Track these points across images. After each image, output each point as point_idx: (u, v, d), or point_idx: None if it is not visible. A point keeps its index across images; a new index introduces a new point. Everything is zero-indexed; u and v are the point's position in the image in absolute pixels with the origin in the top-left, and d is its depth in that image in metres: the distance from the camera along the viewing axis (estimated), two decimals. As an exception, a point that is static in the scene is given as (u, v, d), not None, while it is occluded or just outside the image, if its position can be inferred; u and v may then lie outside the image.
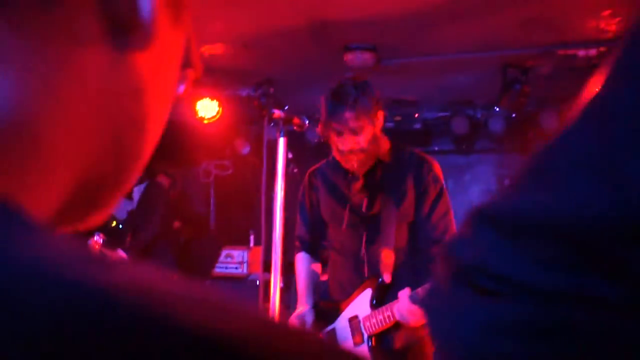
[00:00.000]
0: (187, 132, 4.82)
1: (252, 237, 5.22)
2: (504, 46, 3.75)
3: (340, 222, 1.96)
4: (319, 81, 4.59)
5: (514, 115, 4.57)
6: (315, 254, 2.14)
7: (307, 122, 1.98)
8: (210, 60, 3.96)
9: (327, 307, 2.00)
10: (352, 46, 3.72)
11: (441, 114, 5.04)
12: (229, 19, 3.34)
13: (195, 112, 4.57)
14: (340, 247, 1.96)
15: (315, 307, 2.03)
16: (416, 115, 5.10)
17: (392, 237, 1.89)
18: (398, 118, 5.15)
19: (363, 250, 1.92)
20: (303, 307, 2.02)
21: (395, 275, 1.88)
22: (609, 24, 3.36)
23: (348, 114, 1.78)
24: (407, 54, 3.91)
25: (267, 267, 1.87)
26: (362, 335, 1.87)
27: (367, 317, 1.86)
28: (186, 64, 0.40)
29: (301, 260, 2.12)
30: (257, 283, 4.64)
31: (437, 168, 2.04)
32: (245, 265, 4.79)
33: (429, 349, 1.84)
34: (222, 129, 4.93)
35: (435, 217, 1.91)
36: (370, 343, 1.85)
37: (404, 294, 1.73)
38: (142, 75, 0.32)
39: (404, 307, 1.71)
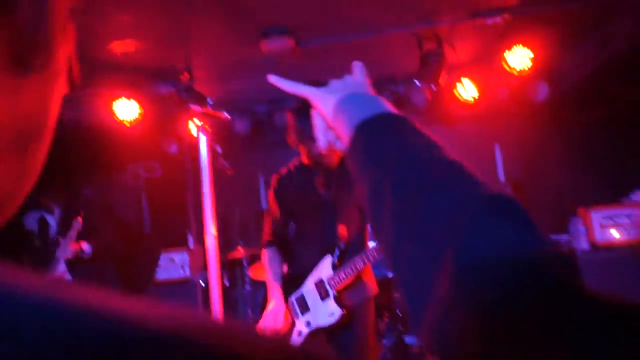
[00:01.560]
0: (106, 136, 4.59)
1: (190, 238, 5.09)
2: (418, 20, 3.83)
3: (309, 212, 2.43)
4: (240, 70, 4.52)
5: (433, 87, 4.70)
6: (279, 248, 2.53)
7: (227, 115, 1.95)
8: (123, 58, 3.78)
9: (294, 278, 2.41)
10: (269, 31, 3.67)
11: (366, 92, 5.09)
12: (136, 11, 3.18)
13: (113, 114, 4.35)
14: (305, 231, 2.44)
15: (282, 278, 2.45)
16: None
17: (345, 217, 2.37)
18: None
19: (324, 230, 2.38)
20: (274, 302, 2.36)
21: (348, 243, 2.35)
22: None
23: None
24: (325, 35, 3.91)
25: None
26: (328, 292, 2.30)
27: (331, 277, 2.30)
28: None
29: (267, 255, 2.51)
30: (202, 284, 4.54)
31: None
32: (187, 267, 4.67)
33: (370, 308, 2.39)
34: (144, 129, 4.74)
35: None
36: (335, 297, 2.28)
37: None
38: (44, 93, 0.35)
39: None
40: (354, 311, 2.31)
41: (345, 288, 2.30)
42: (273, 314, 2.31)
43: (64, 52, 0.38)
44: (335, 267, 2.31)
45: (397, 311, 4.05)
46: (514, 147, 5.67)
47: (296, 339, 2.32)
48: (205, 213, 1.73)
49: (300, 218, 2.49)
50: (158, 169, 5.45)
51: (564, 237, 4.37)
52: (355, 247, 2.39)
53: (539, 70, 4.46)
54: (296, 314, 2.37)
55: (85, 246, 3.52)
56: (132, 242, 5.10)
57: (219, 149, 5.56)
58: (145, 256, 4.91)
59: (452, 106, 5.37)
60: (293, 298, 2.40)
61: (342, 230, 2.36)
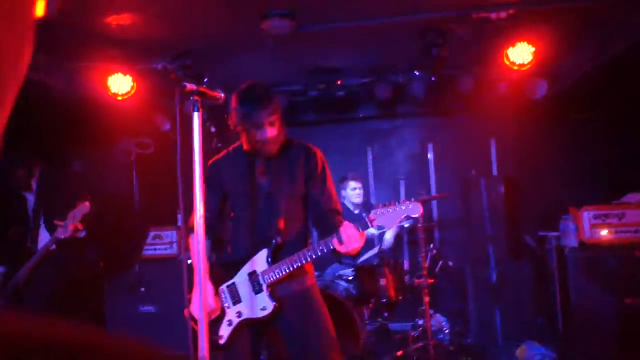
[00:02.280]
0: (100, 109, 4.53)
1: (179, 216, 5.06)
2: (421, 10, 3.78)
3: (244, 199, 2.37)
4: (239, 51, 4.46)
5: (433, 78, 4.66)
6: (210, 232, 2.48)
7: (222, 94, 1.90)
8: (119, 32, 3.70)
9: (226, 266, 2.38)
10: (269, 13, 3.61)
11: (364, 79, 5.05)
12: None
13: (107, 89, 4.28)
14: (242, 218, 2.37)
15: (214, 265, 2.44)
16: (339, 82, 5.08)
17: (284, 208, 2.36)
18: (322, 86, 5.11)
19: (261, 220, 2.34)
20: (205, 287, 2.26)
21: (285, 237, 2.33)
22: (518, -14, 3.47)
23: (267, 110, 2.22)
24: (327, 20, 3.85)
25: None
26: (261, 285, 2.29)
27: (265, 271, 2.28)
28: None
29: (192, 240, 2.42)
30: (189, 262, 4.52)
31: (321, 155, 2.49)
32: (175, 245, 4.66)
33: (316, 293, 2.37)
34: (139, 105, 4.67)
35: (326, 192, 2.42)
36: (268, 291, 2.27)
37: (347, 224, 2.17)
38: None
39: (348, 230, 2.13)
40: (290, 302, 2.28)
41: (280, 281, 2.27)
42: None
43: None
44: (269, 262, 2.28)
45: (382, 298, 4.07)
46: (509, 142, 5.67)
47: (226, 329, 2.29)
48: (195, 192, 1.71)
49: (236, 204, 2.43)
50: (151, 146, 5.39)
51: (553, 234, 4.39)
52: (294, 242, 2.34)
53: (539, 67, 4.43)
54: (227, 303, 2.33)
55: (82, 229, 3.53)
56: (120, 218, 5.07)
57: (212, 129, 5.52)
58: (133, 232, 4.89)
59: (450, 98, 5.35)
60: (224, 286, 2.36)
61: (280, 223, 2.32)
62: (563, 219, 4.20)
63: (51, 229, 3.62)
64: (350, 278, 4.18)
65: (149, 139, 5.37)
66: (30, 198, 3.77)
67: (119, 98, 4.31)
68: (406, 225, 4.52)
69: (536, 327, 4.67)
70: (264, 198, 2.35)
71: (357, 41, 4.32)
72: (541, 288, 4.68)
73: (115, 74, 4.26)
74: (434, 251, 4.67)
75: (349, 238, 2.11)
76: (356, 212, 4.62)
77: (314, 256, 2.21)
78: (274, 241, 2.30)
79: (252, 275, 2.31)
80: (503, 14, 3.82)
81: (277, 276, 2.25)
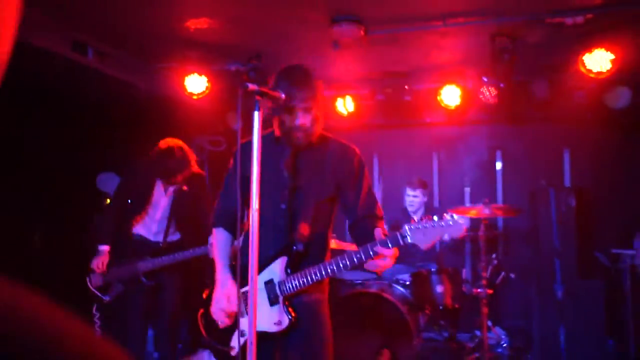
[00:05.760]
0: (176, 108, 4.82)
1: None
2: (492, 15, 3.71)
3: (267, 193, 2.05)
4: (307, 55, 4.59)
5: (502, 85, 4.55)
6: (233, 224, 2.27)
7: (283, 95, 1.99)
8: (197, 35, 3.94)
9: (244, 271, 2.10)
10: (338, 18, 3.70)
11: (431, 85, 5.01)
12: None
13: (184, 88, 4.56)
14: (262, 216, 1.91)
15: (232, 268, 2.26)
16: (406, 87, 5.07)
17: (309, 211, 2.14)
18: (388, 90, 5.13)
19: (283, 221, 2.13)
20: (226, 284, 2.19)
21: (308, 245, 2.13)
22: (596, -9, 3.32)
23: (302, 94, 2.02)
24: (394, 26, 3.88)
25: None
26: (277, 297, 2.10)
27: (283, 282, 2.10)
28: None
29: (219, 236, 2.33)
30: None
31: (359, 155, 2.26)
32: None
33: (324, 308, 2.18)
34: (212, 104, 4.93)
35: (362, 195, 2.20)
36: (284, 304, 2.09)
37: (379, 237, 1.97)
38: None
39: (378, 262, 1.97)
40: (305, 314, 2.11)
41: (297, 293, 2.10)
42: (226, 297, 2.17)
43: None
44: (288, 272, 2.09)
45: (439, 306, 4.02)
46: (585, 152, 5.40)
47: (238, 340, 2.11)
48: (251, 189, 1.82)
49: (261, 198, 1.98)
50: (223, 143, 5.67)
51: (628, 252, 4.15)
52: (316, 251, 2.15)
53: (621, 75, 4.20)
54: (242, 311, 2.16)
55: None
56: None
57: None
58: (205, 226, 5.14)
59: (522, 105, 5.18)
60: (241, 293, 2.15)
61: (303, 229, 2.11)
62: (638, 236, 3.96)
63: (183, 230, 3.81)
64: (407, 283, 4.17)
65: (221, 137, 5.65)
66: (165, 199, 3.80)
67: (194, 97, 4.57)
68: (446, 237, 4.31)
69: (605, 350, 4.42)
70: (287, 196, 2.14)
71: (425, 46, 4.31)
72: (612, 309, 4.43)
73: (192, 75, 4.53)
74: (496, 262, 4.55)
75: (378, 267, 1.98)
76: (415, 217, 4.61)
77: (335, 270, 2.03)
78: (295, 248, 2.10)
79: (269, 284, 2.12)
80: (580, 19, 3.67)
81: (295, 288, 2.08)
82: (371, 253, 1.97)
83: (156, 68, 4.65)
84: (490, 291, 4.17)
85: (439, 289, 4.00)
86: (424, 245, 1.92)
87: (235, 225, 2.24)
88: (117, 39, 4.06)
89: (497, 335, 4.57)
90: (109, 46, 4.15)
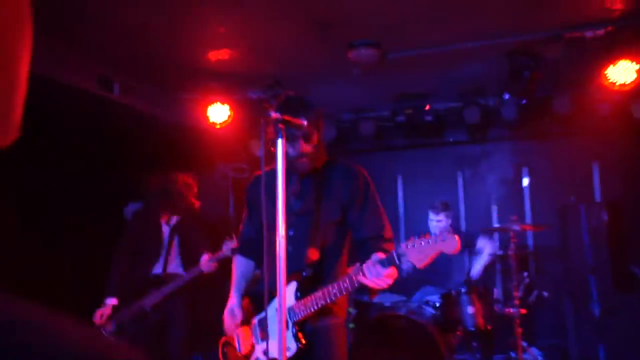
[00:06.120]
0: (200, 137, 4.91)
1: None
2: (508, 33, 3.71)
3: (273, 222, 1.97)
4: (327, 79, 4.64)
5: (524, 101, 4.51)
6: (254, 252, 2.45)
7: (305, 122, 2.01)
8: (218, 66, 4.04)
9: (259, 297, 2.31)
10: (356, 43, 3.75)
11: (452, 104, 5.00)
12: (232, 23, 3.40)
13: (206, 118, 4.65)
14: (270, 244, 1.90)
15: (246, 295, 2.40)
16: (427, 107, 5.07)
17: (316, 235, 2.19)
18: (409, 111, 5.14)
19: (291, 247, 2.08)
20: (232, 300, 2.39)
21: (318, 270, 2.18)
22: (614, 3, 3.30)
23: (303, 122, 2.00)
24: (412, 47, 3.91)
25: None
26: (288, 322, 2.13)
27: (293, 307, 2.14)
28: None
29: (236, 262, 2.50)
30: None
31: (364, 175, 2.29)
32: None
33: (337, 333, 2.21)
34: (235, 132, 5.01)
35: (367, 216, 2.22)
36: (294, 329, 2.13)
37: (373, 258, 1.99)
38: None
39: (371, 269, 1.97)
40: (316, 339, 2.15)
41: (308, 318, 2.12)
42: (230, 312, 2.37)
43: None
44: (298, 297, 2.14)
45: (470, 327, 3.93)
46: (614, 166, 5.28)
47: None
48: (277, 215, 1.83)
49: (268, 227, 2.04)
50: (246, 170, 5.72)
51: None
52: (327, 275, 2.18)
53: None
54: (257, 338, 2.27)
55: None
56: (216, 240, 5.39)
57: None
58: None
59: (545, 121, 5.12)
60: (256, 319, 2.30)
61: (312, 254, 2.16)
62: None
63: (186, 260, 3.87)
64: (437, 305, 4.09)
65: (244, 164, 5.72)
66: (166, 229, 3.95)
67: (217, 126, 4.66)
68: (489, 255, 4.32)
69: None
70: (294, 222, 2.18)
71: (444, 65, 4.32)
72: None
73: (214, 104, 4.62)
74: (528, 280, 4.44)
75: (372, 281, 1.97)
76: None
77: (338, 295, 2.04)
78: (304, 273, 2.16)
79: None
80: (600, 32, 3.64)
81: (304, 313, 2.11)
82: (354, 280, 2.00)
83: (180, 99, 4.76)
84: (523, 311, 4.06)
85: (470, 309, 3.91)
86: (418, 263, 1.91)
87: (254, 252, 2.42)
88: (141, 72, 4.18)
89: (534, 356, 4.43)
90: (133, 80, 4.28)
